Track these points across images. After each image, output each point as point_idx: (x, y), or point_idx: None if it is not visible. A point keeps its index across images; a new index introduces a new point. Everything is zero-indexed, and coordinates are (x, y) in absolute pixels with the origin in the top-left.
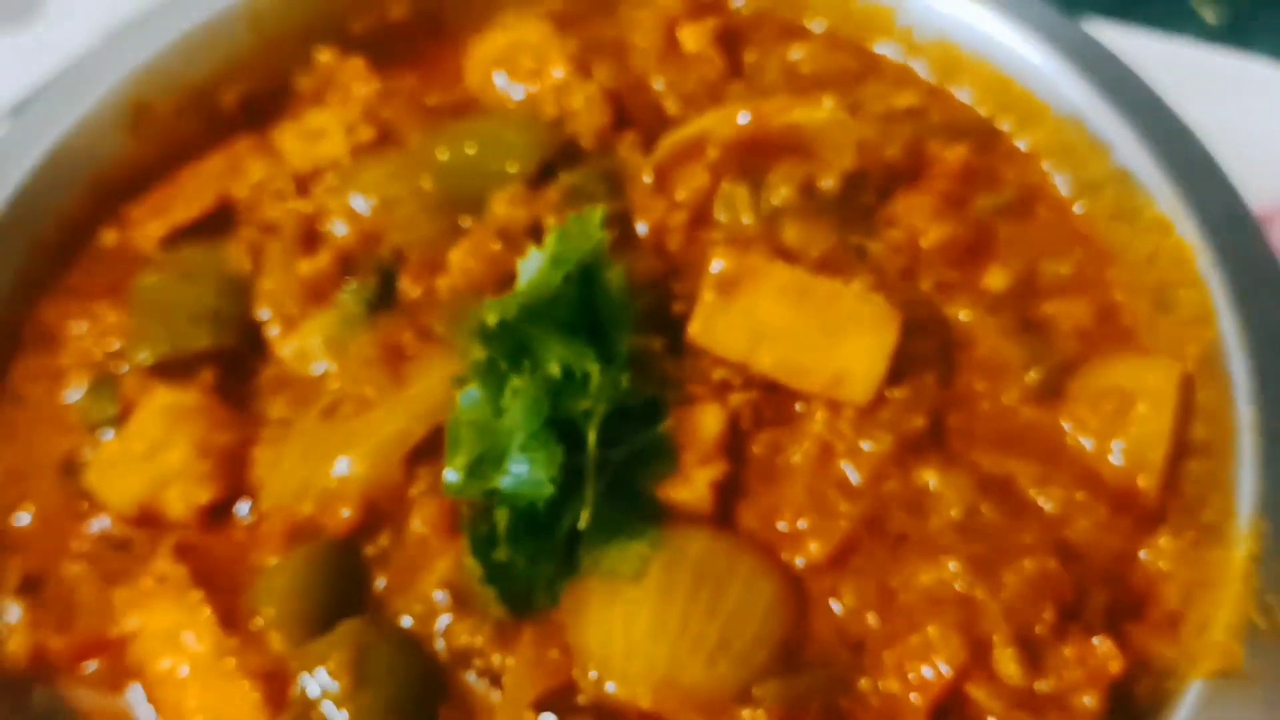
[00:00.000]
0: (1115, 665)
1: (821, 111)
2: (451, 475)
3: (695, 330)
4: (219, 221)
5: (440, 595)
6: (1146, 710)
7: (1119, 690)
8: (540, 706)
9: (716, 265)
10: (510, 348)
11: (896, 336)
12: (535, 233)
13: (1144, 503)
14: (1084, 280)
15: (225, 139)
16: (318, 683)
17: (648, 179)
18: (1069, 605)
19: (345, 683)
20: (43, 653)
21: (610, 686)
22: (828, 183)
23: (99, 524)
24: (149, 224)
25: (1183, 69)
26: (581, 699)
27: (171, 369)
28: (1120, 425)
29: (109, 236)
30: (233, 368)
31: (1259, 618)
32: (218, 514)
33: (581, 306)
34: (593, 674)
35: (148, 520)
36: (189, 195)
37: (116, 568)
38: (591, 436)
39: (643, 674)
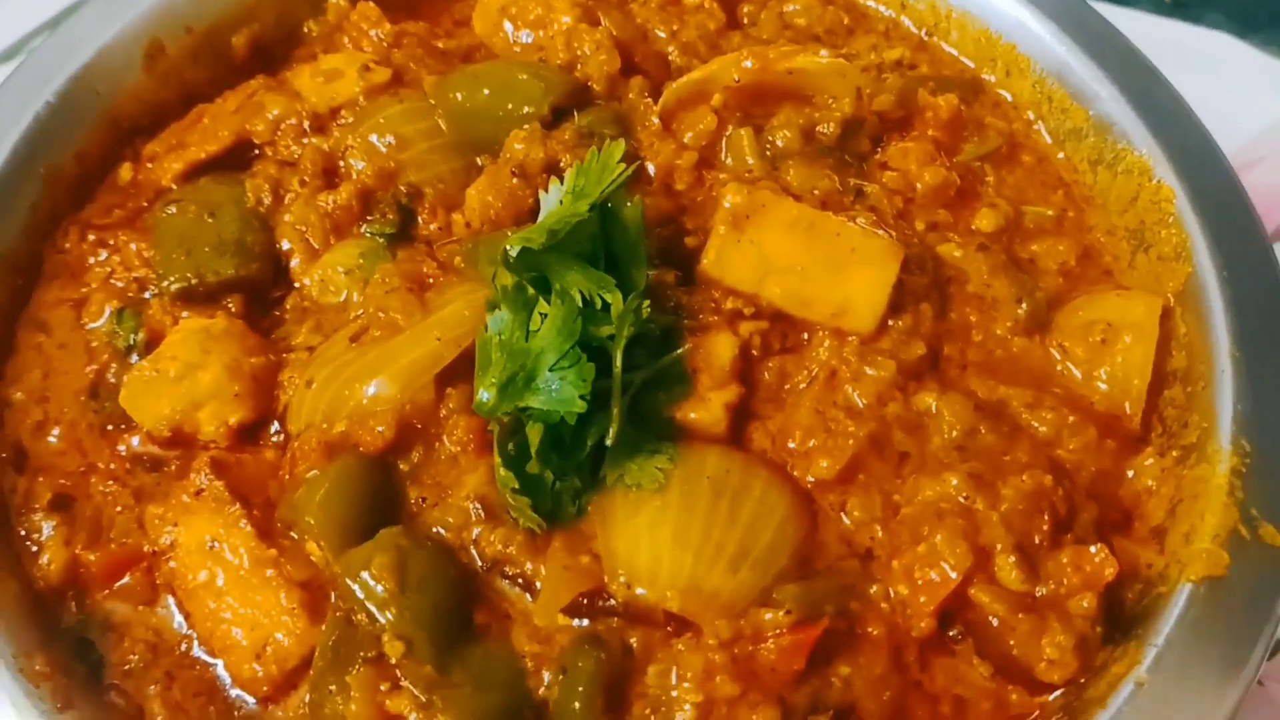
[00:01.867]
0: (1111, 571)
1: (822, 58)
2: (484, 395)
3: (708, 262)
4: (234, 157)
5: (473, 507)
6: (1137, 615)
7: (1111, 595)
8: (573, 609)
9: (729, 200)
10: (536, 275)
11: (898, 270)
12: (550, 171)
13: (1129, 425)
14: (1066, 221)
15: (237, 84)
16: (361, 586)
17: (656, 121)
18: (1062, 519)
19: (389, 585)
20: (77, 567)
21: (640, 591)
22: (827, 128)
23: (129, 444)
24: (167, 160)
25: (1137, 40)
26: (612, 602)
27: (197, 297)
28: (1106, 355)
29: (126, 171)
30: (256, 297)
31: (1244, 529)
32: (248, 434)
33: (600, 238)
34: (622, 578)
35: (179, 440)
36: (207, 132)
37: (148, 485)
38: (617, 358)
39: (670, 579)
